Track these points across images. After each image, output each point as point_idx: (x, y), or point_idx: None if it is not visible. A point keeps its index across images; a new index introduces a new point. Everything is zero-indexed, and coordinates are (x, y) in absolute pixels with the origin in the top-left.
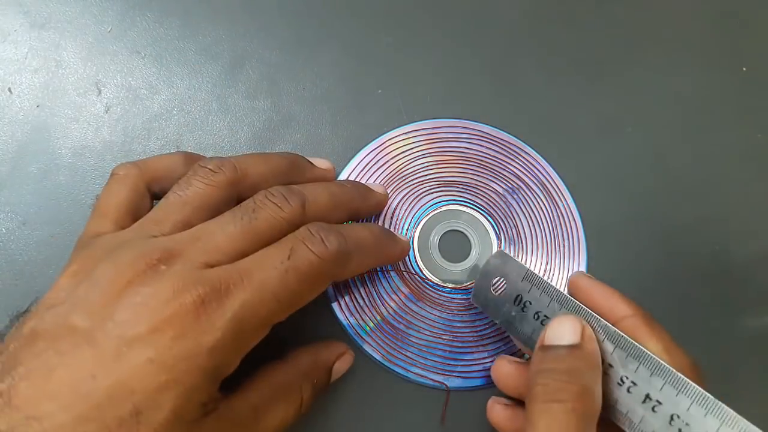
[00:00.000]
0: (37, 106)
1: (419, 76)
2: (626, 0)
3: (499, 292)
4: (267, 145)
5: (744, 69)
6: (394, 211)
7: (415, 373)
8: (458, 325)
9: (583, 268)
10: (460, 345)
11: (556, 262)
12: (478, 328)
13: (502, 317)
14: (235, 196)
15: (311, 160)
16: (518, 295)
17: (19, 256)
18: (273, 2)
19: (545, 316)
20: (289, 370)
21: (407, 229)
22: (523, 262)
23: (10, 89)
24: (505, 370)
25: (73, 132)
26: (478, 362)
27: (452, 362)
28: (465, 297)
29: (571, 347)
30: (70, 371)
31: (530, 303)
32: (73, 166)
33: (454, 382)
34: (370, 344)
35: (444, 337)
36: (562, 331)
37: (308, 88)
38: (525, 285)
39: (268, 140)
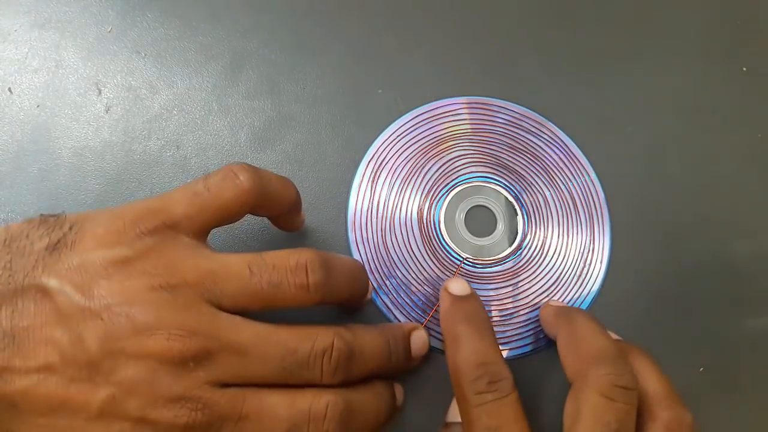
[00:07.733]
0: (38, 106)
1: (419, 76)
2: (626, 0)
3: None
4: (267, 145)
5: (744, 69)
6: (425, 186)
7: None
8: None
9: (606, 255)
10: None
11: (577, 242)
12: (505, 303)
13: None
14: None
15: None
16: None
17: None
18: (273, 2)
19: None
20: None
21: (435, 205)
22: (546, 241)
23: (10, 89)
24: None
25: (73, 132)
26: (505, 333)
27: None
28: (494, 271)
29: None
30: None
31: None
32: (73, 166)
33: None
34: (397, 318)
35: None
36: None
37: (308, 88)
38: None
39: (268, 140)
